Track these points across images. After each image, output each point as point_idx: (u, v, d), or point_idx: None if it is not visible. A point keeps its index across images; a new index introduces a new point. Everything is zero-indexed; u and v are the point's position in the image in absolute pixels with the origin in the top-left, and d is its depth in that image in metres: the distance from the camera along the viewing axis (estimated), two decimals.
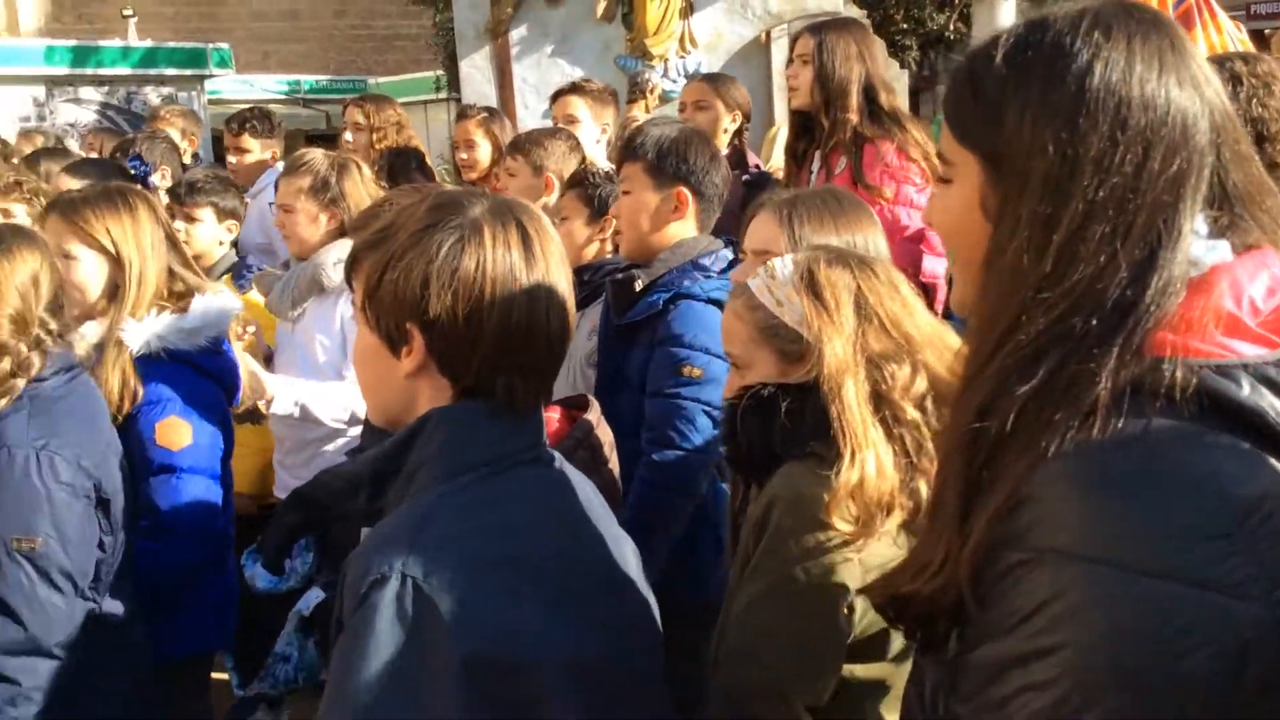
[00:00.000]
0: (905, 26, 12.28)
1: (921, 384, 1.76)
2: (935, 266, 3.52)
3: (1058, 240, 1.03)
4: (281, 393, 3.15)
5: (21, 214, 3.79)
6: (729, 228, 2.98)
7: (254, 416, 3.27)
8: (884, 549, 1.69)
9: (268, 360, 3.48)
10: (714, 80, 4.48)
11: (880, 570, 1.66)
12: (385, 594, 1.28)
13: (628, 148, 2.79)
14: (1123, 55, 1.04)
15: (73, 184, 3.83)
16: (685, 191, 2.73)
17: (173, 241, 2.88)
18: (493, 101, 9.76)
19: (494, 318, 1.39)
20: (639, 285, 2.71)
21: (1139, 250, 1.01)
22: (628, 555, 1.57)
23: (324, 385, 3.25)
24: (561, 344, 1.47)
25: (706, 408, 2.58)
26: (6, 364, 2.31)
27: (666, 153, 2.73)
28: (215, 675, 3.24)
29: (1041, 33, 1.07)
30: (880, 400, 1.74)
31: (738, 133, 4.36)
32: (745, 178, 4.18)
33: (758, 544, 1.78)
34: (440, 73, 19.57)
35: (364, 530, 2.51)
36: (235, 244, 4.17)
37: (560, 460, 1.54)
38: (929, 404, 1.75)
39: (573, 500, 1.50)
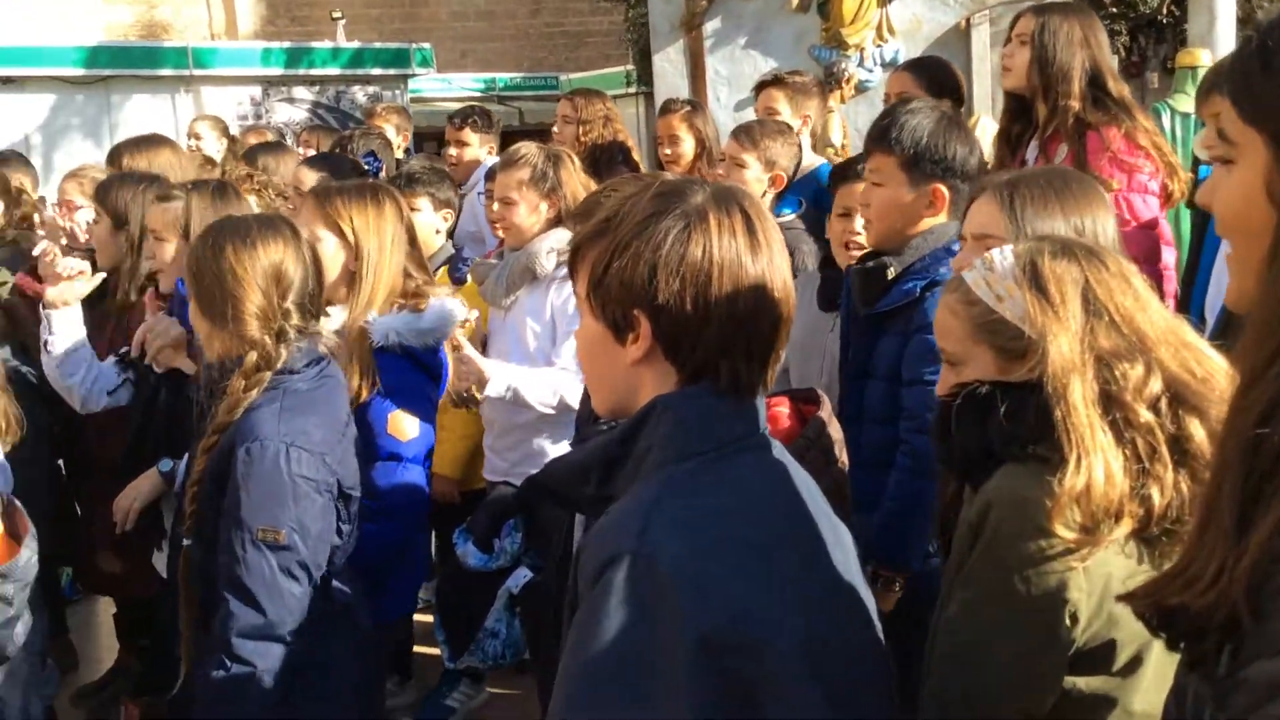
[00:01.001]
0: (1115, 10, 11.71)
1: (1156, 384, 1.65)
2: (1167, 257, 3.37)
3: None
4: (496, 377, 3.25)
5: (253, 205, 4.02)
6: None
7: (468, 400, 3.39)
8: (1111, 558, 1.62)
9: (481, 346, 3.60)
10: (918, 68, 4.33)
11: (1105, 581, 1.63)
12: (619, 574, 1.31)
13: (881, 137, 2.72)
14: None
15: (311, 177, 4.05)
16: (942, 189, 2.68)
17: (412, 243, 2.99)
18: (685, 95, 9.83)
19: (721, 303, 1.40)
20: (891, 273, 2.66)
21: None
22: (847, 542, 1.56)
23: (535, 370, 3.35)
24: (784, 328, 1.48)
25: None
26: (253, 357, 2.38)
27: (924, 151, 2.66)
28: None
29: None
30: (1110, 401, 1.64)
31: None
32: None
33: (972, 548, 1.72)
34: (630, 68, 19.82)
35: (575, 516, 2.59)
36: (450, 234, 4.32)
37: (777, 445, 1.55)
38: (1164, 406, 1.65)
39: (792, 485, 1.50)
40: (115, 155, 4.18)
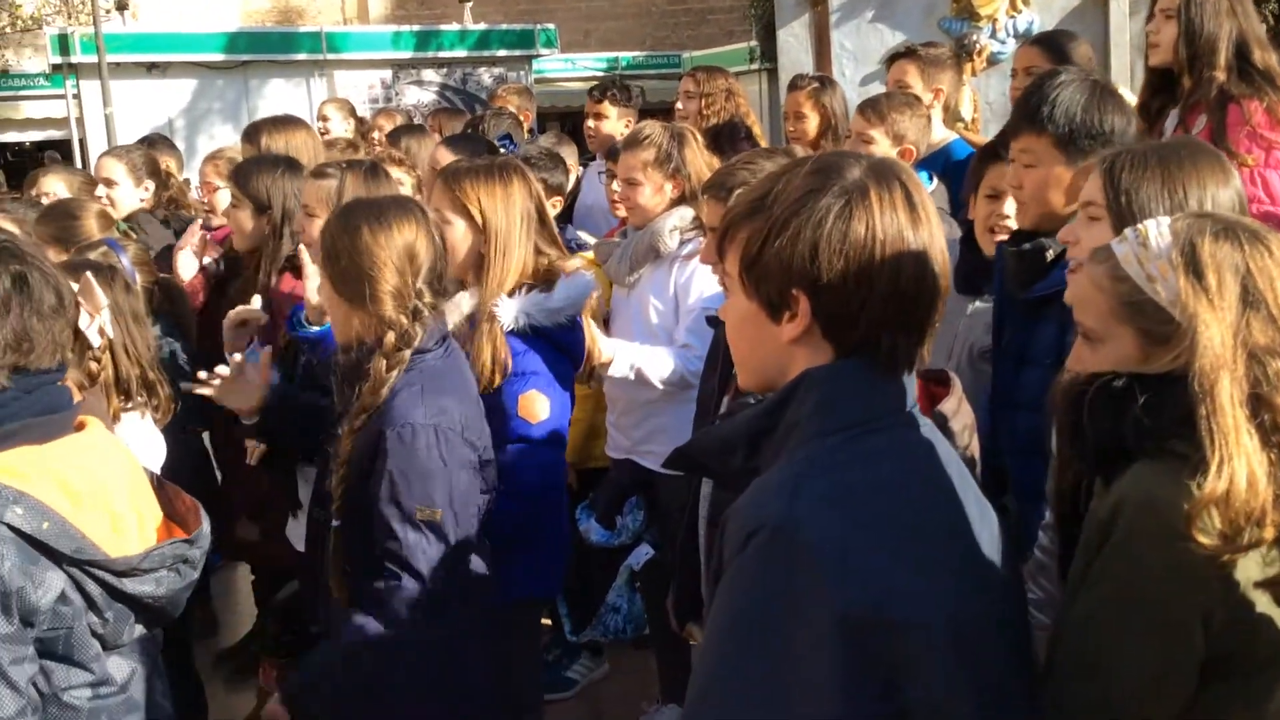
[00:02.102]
0: None
1: None
2: None
3: None
4: (619, 356, 3.27)
5: (408, 183, 4.11)
6: None
7: (590, 377, 3.41)
8: (1250, 566, 1.53)
9: (604, 324, 3.62)
10: (1046, 43, 4.16)
11: (1243, 589, 1.53)
12: (764, 545, 1.31)
13: (1031, 116, 2.58)
14: None
15: (449, 157, 4.12)
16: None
17: (543, 220, 2.97)
18: (810, 70, 9.70)
19: (883, 280, 1.38)
20: (1050, 255, 2.55)
21: None
22: (995, 522, 1.53)
23: (657, 349, 3.35)
24: (942, 302, 1.46)
25: None
26: (391, 337, 2.40)
27: (1080, 127, 2.52)
28: None
29: None
30: (1259, 402, 1.53)
31: None
32: None
33: (1100, 547, 1.63)
34: (753, 44, 19.66)
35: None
36: (563, 215, 4.33)
37: (927, 422, 1.52)
38: None
39: (941, 463, 1.47)
40: (254, 133, 4.30)
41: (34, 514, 1.68)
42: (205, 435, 4.15)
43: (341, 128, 6.20)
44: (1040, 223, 2.61)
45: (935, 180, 3.83)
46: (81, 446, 1.83)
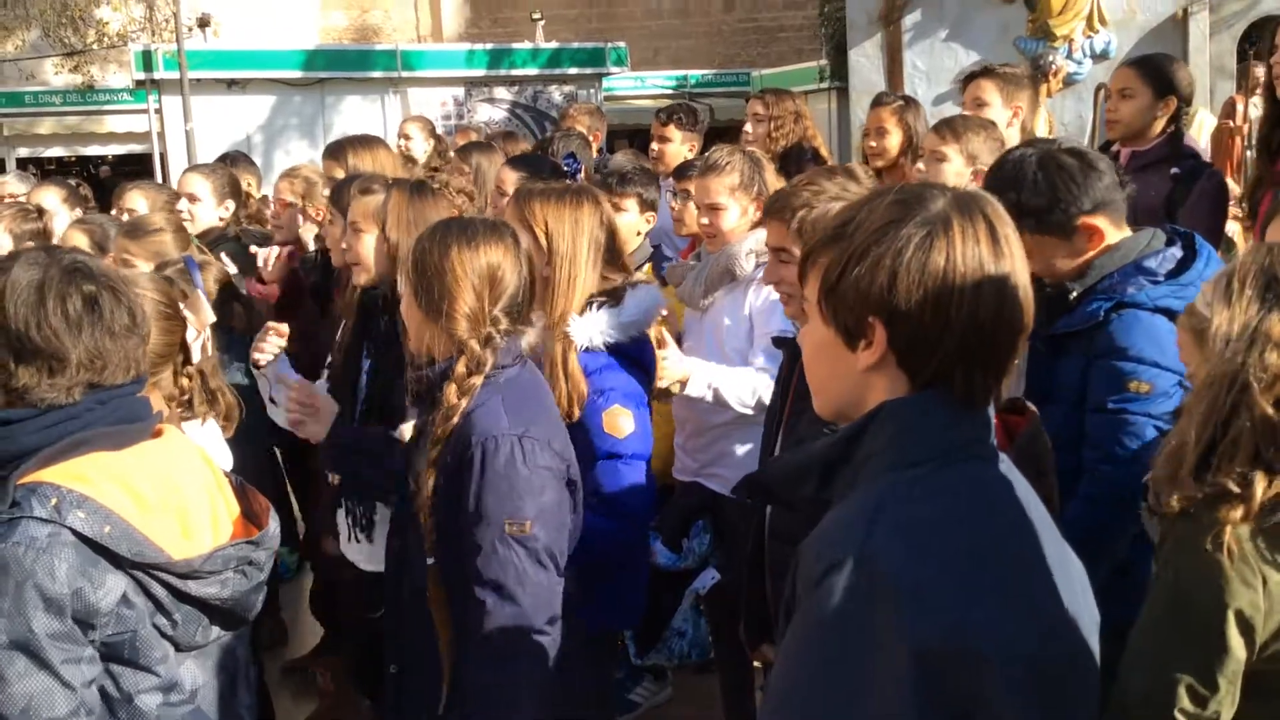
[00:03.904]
0: None
1: None
2: None
3: None
4: (697, 375, 3.25)
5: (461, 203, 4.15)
6: (1154, 224, 2.76)
7: (664, 395, 3.40)
8: None
9: (677, 346, 3.61)
10: (1142, 65, 4.12)
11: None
12: (841, 579, 1.30)
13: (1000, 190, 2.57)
14: None
15: (513, 177, 4.15)
16: (1091, 222, 2.56)
17: (611, 245, 2.95)
18: (880, 89, 9.65)
19: (962, 313, 1.37)
20: (1074, 294, 2.56)
21: None
22: (1073, 560, 1.51)
23: (734, 370, 3.33)
24: (1023, 338, 1.44)
25: (1157, 423, 2.43)
26: (462, 365, 2.38)
27: (1046, 204, 2.54)
28: None
29: None
30: (1241, 388, 1.69)
31: (1173, 119, 4.02)
32: (1174, 170, 3.86)
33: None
34: (823, 63, 19.61)
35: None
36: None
37: (1004, 458, 1.51)
38: None
39: (1019, 499, 1.45)
40: (339, 151, 4.37)
41: (96, 518, 1.72)
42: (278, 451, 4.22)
43: (422, 146, 6.30)
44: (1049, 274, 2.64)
45: None
46: (154, 451, 1.87)
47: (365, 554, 3.26)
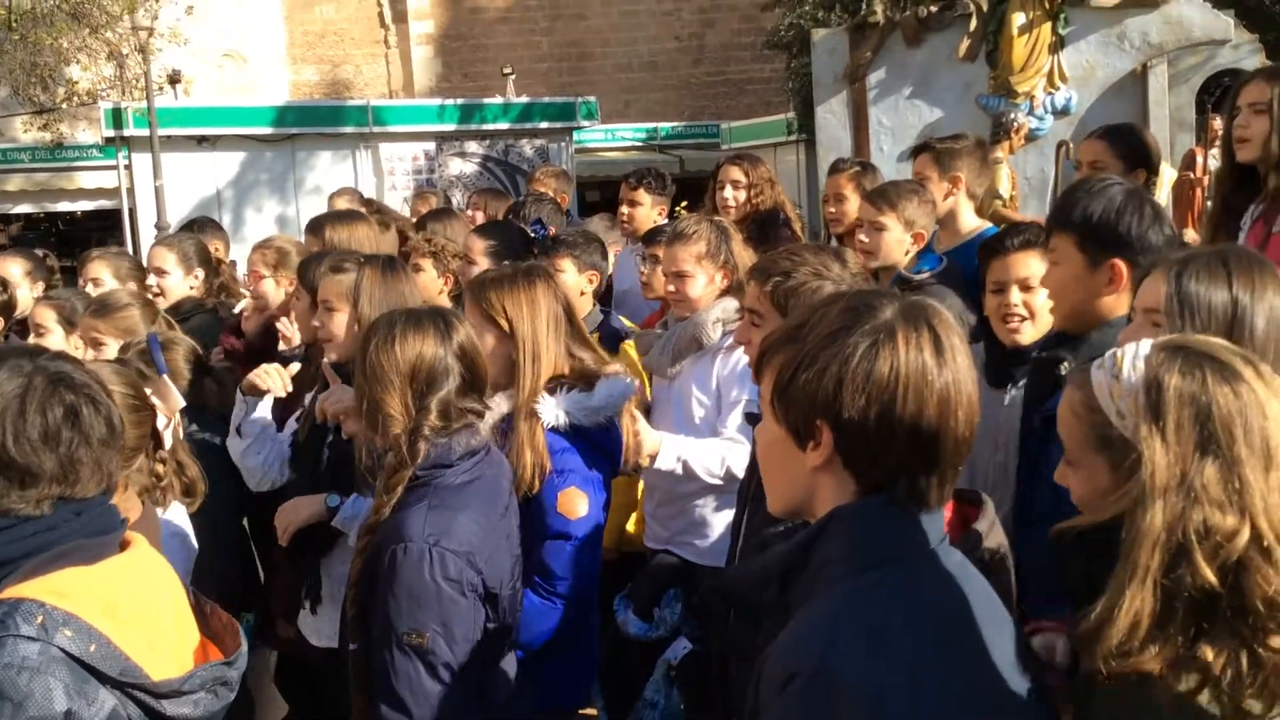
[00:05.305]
0: None
1: (1240, 545, 1.42)
2: None
3: None
4: (666, 448, 3.26)
5: (432, 274, 4.18)
6: None
7: (634, 469, 3.40)
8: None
9: (645, 415, 3.62)
10: (1113, 136, 4.13)
11: None
12: (803, 690, 1.34)
13: (1058, 215, 2.65)
14: None
15: (480, 245, 4.16)
16: (1120, 264, 2.58)
17: (572, 321, 2.98)
18: (847, 146, 9.77)
19: (905, 420, 1.42)
20: (1065, 369, 2.54)
21: None
22: (1013, 644, 1.51)
23: (703, 441, 3.35)
24: (968, 444, 1.48)
25: None
26: (390, 459, 2.36)
27: (1099, 225, 2.55)
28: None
29: None
30: (1181, 556, 1.43)
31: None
32: None
33: None
34: (791, 115, 19.87)
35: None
36: (598, 295, 4.34)
37: (956, 554, 1.53)
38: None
39: (967, 597, 1.48)
40: (318, 227, 4.38)
41: (82, 636, 1.69)
42: (245, 523, 4.17)
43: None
44: (1068, 323, 2.64)
45: (944, 262, 3.84)
46: (126, 567, 1.85)
47: (311, 626, 3.28)
